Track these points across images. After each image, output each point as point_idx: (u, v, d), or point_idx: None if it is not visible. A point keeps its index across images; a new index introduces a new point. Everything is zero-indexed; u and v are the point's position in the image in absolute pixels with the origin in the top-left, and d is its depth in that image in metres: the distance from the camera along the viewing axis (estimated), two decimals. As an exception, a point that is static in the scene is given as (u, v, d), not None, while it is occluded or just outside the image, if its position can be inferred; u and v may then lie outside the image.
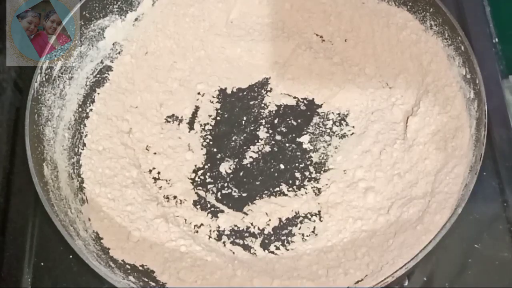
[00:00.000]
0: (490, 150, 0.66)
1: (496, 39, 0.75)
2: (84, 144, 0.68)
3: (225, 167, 0.69)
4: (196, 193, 0.67)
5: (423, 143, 0.65)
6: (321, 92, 0.73)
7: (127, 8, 0.74)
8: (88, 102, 0.71)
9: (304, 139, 0.70)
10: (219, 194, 0.67)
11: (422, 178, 0.63)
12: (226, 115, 0.73)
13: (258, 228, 0.64)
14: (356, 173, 0.66)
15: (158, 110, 0.72)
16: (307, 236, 0.63)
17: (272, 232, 0.64)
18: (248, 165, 0.69)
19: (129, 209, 0.64)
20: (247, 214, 0.65)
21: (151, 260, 0.61)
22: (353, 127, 0.70)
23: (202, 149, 0.70)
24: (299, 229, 0.64)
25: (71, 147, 0.67)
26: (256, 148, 0.70)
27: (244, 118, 0.72)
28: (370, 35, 0.74)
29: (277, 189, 0.67)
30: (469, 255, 0.62)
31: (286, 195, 0.66)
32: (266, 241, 0.64)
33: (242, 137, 0.71)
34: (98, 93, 0.72)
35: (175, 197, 0.67)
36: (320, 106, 0.72)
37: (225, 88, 0.74)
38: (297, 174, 0.68)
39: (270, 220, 0.65)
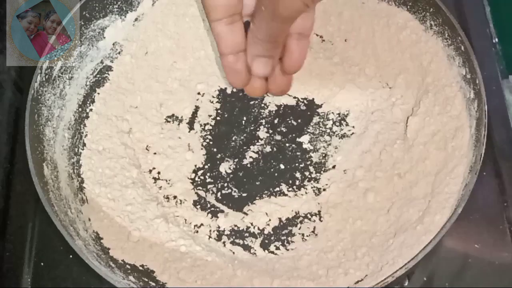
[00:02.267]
0: (490, 150, 0.66)
1: (496, 39, 0.76)
2: (84, 144, 0.68)
3: (225, 167, 0.69)
4: (196, 193, 0.67)
5: (423, 143, 0.65)
6: (321, 92, 0.73)
7: (127, 8, 0.74)
8: (88, 102, 0.71)
9: (304, 139, 0.70)
10: (219, 194, 0.67)
11: (422, 178, 0.63)
12: (226, 115, 0.73)
13: (258, 228, 0.64)
14: (356, 173, 0.66)
15: (158, 110, 0.72)
16: (307, 236, 0.63)
17: (272, 232, 0.64)
18: (248, 165, 0.69)
19: (129, 209, 0.64)
20: (247, 214, 0.65)
21: (151, 260, 0.61)
22: (353, 127, 0.70)
23: (202, 149, 0.70)
24: (299, 229, 0.64)
25: (71, 147, 0.67)
26: (256, 148, 0.70)
27: (244, 118, 0.72)
28: (370, 35, 0.74)
29: (277, 189, 0.67)
30: (469, 255, 0.63)
31: (286, 195, 0.66)
32: (266, 241, 0.64)
33: (242, 137, 0.71)
34: (98, 93, 0.72)
35: (175, 197, 0.67)
36: (320, 106, 0.72)
37: (225, 88, 0.74)
38: (297, 174, 0.68)
39: (270, 220, 0.65)
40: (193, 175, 0.68)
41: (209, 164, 0.69)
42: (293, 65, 0.51)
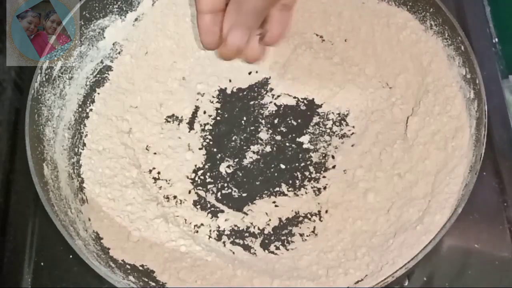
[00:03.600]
0: (490, 150, 0.66)
1: (496, 39, 0.76)
2: (84, 144, 0.68)
3: (225, 167, 0.69)
4: (196, 193, 0.67)
5: (423, 143, 0.65)
6: (321, 92, 0.73)
7: (127, 8, 0.74)
8: (88, 102, 0.71)
9: (304, 139, 0.70)
10: (219, 194, 0.67)
11: (422, 178, 0.63)
12: (226, 115, 0.73)
13: (258, 228, 0.64)
14: (356, 173, 0.66)
15: (158, 110, 0.73)
16: (307, 236, 0.63)
17: (272, 232, 0.64)
18: (248, 165, 0.69)
19: (129, 209, 0.64)
20: (247, 214, 0.65)
21: (151, 260, 0.61)
22: (353, 127, 0.70)
23: (202, 149, 0.70)
24: (299, 229, 0.64)
25: (71, 147, 0.67)
26: (256, 148, 0.70)
27: (244, 118, 0.72)
28: (370, 35, 0.74)
29: (277, 189, 0.67)
30: (469, 255, 0.62)
31: (286, 195, 0.66)
32: (266, 241, 0.64)
33: (242, 137, 0.71)
34: (98, 93, 0.72)
35: (175, 197, 0.67)
36: (320, 106, 0.72)
37: (225, 88, 0.74)
38: (297, 174, 0.68)
39: (270, 220, 0.65)
40: (193, 175, 0.68)
41: (209, 164, 0.69)
42: (274, 36, 0.50)
